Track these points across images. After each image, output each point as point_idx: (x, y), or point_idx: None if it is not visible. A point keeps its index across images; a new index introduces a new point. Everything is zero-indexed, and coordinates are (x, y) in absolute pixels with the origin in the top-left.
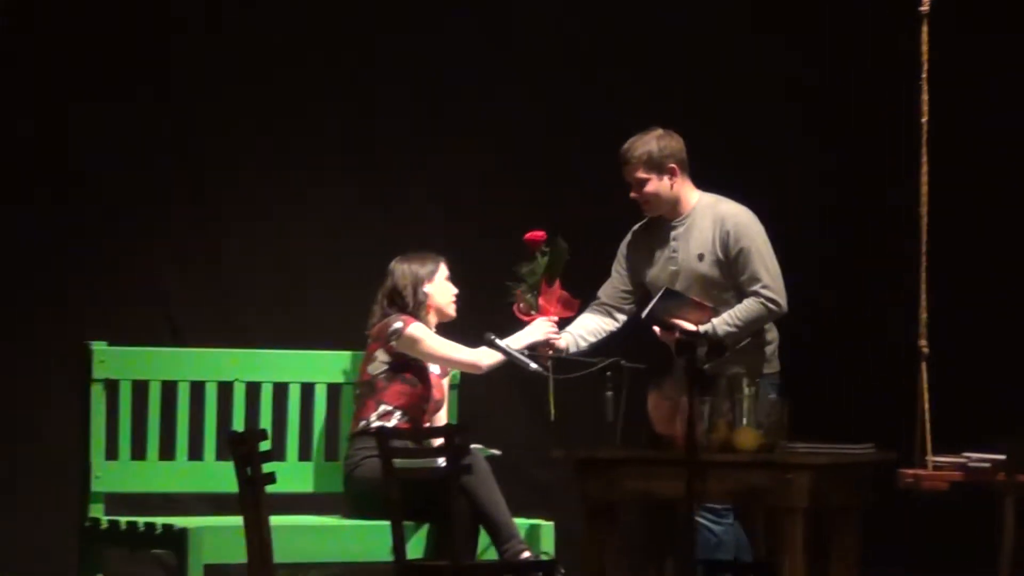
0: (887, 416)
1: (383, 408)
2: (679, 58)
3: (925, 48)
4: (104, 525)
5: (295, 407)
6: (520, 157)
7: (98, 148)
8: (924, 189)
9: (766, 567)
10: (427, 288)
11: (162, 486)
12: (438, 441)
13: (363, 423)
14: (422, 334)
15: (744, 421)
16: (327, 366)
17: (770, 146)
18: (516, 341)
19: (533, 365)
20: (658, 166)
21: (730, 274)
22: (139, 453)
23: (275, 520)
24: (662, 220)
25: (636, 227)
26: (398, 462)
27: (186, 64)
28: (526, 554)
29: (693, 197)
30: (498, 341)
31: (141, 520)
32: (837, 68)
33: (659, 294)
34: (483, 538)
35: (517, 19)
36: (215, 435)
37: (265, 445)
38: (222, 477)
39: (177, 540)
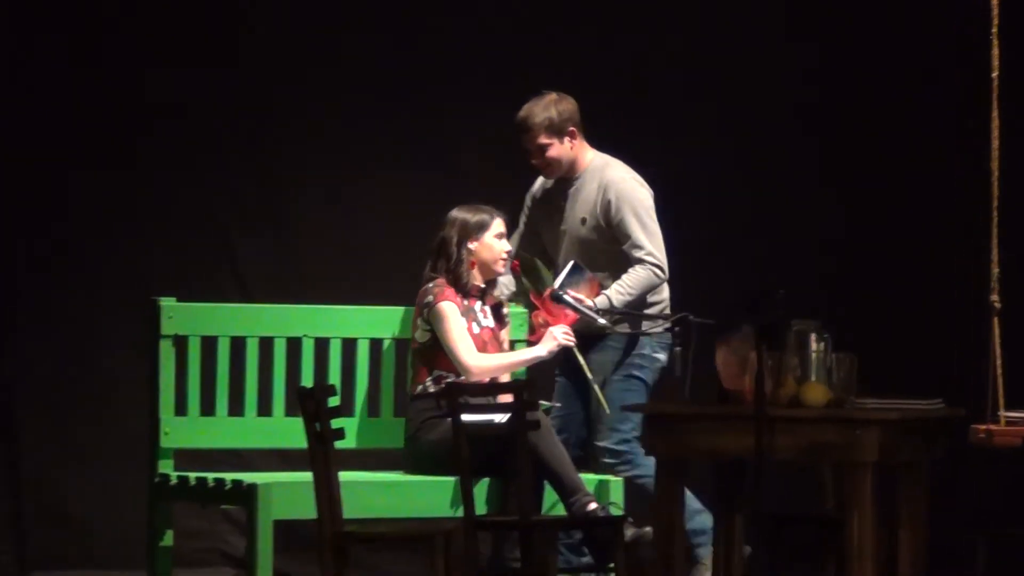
0: (957, 372)
1: (436, 373)
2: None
3: (995, 1)
4: (173, 481)
5: (364, 363)
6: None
7: (167, 106)
8: (995, 144)
9: (835, 522)
10: (471, 245)
11: (231, 442)
12: (503, 396)
13: (420, 387)
14: (446, 314)
15: (813, 376)
16: (396, 322)
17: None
18: (541, 348)
19: (601, 320)
20: (559, 130)
21: (609, 240)
22: (208, 409)
23: (343, 476)
24: (562, 177)
25: (540, 179)
26: (465, 418)
27: (256, 28)
28: (593, 505)
29: (587, 157)
30: (565, 296)
31: (210, 476)
32: (911, 18)
33: (567, 269)
34: (550, 494)
35: None
36: (284, 391)
37: (334, 401)
38: (291, 433)
39: (246, 496)
